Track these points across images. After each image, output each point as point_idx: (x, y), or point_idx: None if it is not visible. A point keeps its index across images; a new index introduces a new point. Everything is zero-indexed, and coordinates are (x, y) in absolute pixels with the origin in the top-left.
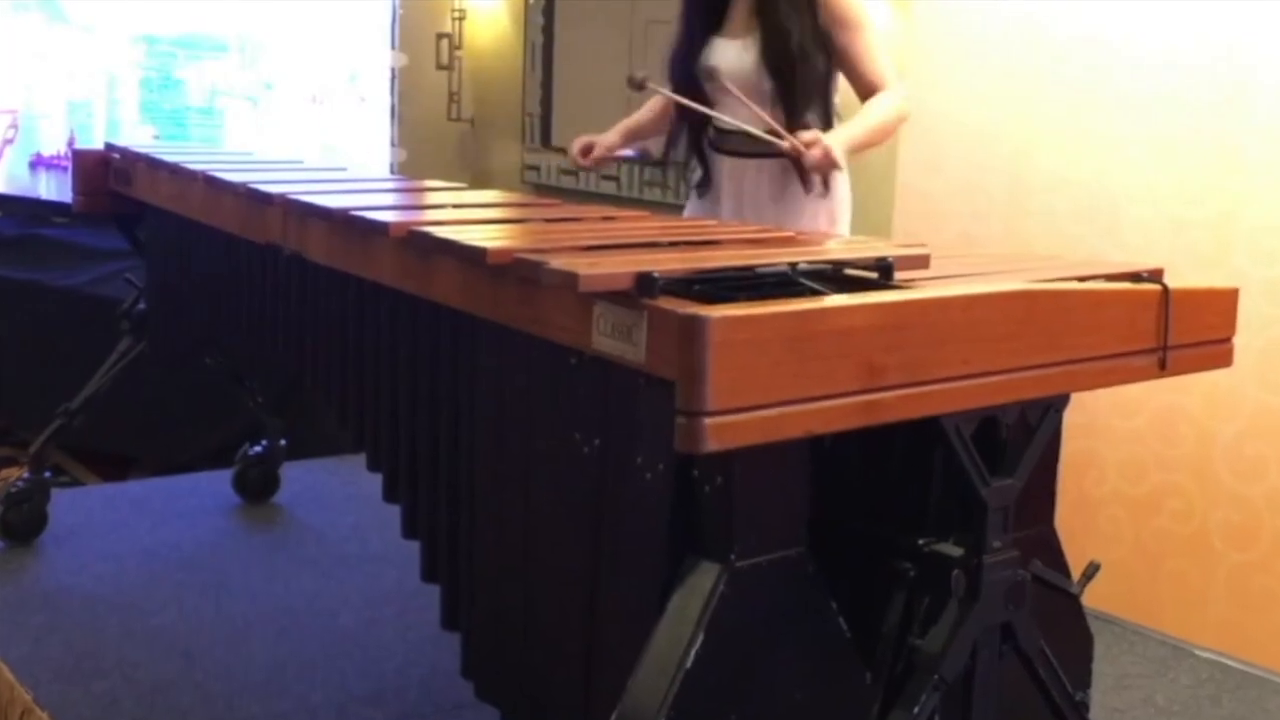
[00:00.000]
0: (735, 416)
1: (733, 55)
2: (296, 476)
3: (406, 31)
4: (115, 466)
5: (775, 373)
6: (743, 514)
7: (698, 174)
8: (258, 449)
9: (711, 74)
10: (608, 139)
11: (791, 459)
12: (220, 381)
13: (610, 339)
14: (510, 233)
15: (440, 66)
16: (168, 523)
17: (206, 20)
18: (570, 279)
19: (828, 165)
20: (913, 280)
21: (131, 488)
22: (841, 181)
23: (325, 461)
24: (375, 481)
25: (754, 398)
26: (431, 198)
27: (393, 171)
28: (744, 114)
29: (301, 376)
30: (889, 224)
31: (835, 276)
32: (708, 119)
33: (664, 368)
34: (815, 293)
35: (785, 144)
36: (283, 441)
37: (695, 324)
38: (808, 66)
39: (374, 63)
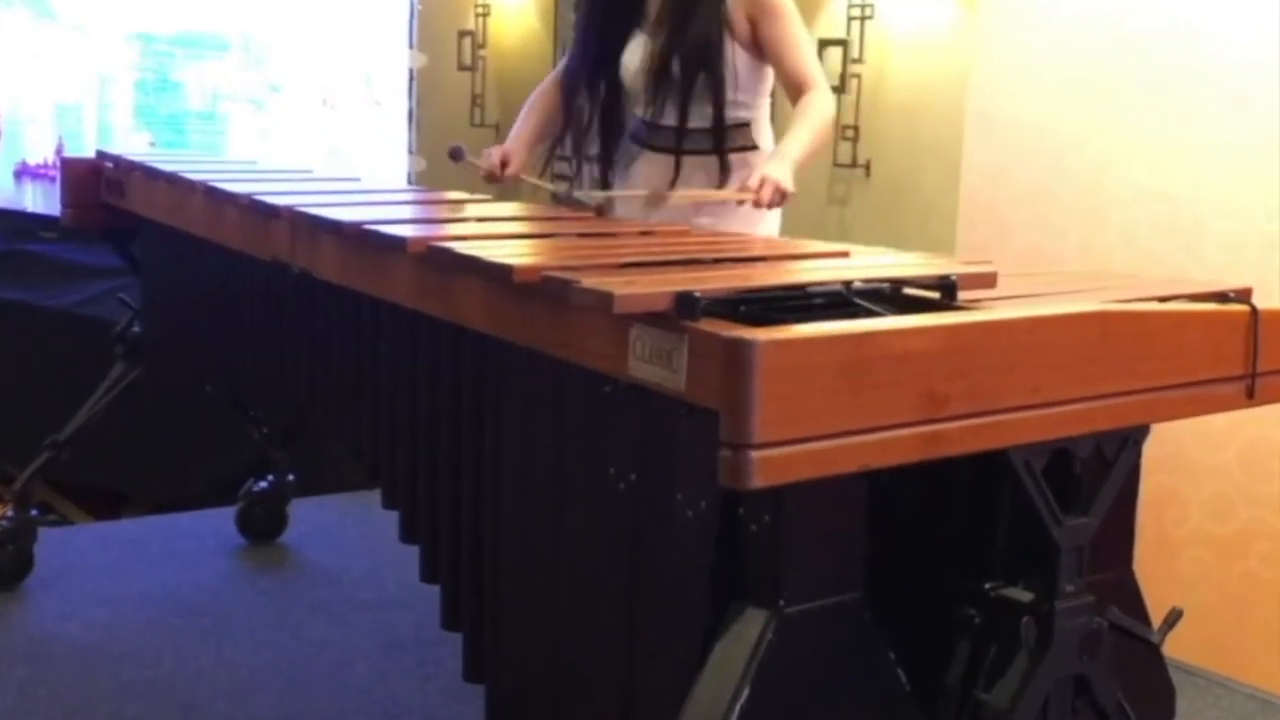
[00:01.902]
0: (784, 449)
1: (642, 52)
2: (305, 514)
3: (426, 29)
4: (107, 504)
5: (828, 401)
6: (792, 556)
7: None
8: (263, 485)
9: (655, 199)
10: (518, 157)
11: (846, 496)
12: (222, 411)
13: (648, 364)
14: (538, 249)
15: (462, 67)
16: (165, 565)
17: (207, 17)
18: (604, 299)
19: (781, 201)
20: (978, 300)
21: (125, 527)
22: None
23: (337, 498)
24: (391, 520)
25: (805, 429)
26: (452, 211)
27: (410, 182)
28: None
29: (311, 405)
30: (952, 239)
31: (893, 296)
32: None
33: (707, 396)
34: (872, 314)
35: (736, 198)
36: (290, 476)
37: (741, 348)
38: (716, 57)
39: (390, 63)
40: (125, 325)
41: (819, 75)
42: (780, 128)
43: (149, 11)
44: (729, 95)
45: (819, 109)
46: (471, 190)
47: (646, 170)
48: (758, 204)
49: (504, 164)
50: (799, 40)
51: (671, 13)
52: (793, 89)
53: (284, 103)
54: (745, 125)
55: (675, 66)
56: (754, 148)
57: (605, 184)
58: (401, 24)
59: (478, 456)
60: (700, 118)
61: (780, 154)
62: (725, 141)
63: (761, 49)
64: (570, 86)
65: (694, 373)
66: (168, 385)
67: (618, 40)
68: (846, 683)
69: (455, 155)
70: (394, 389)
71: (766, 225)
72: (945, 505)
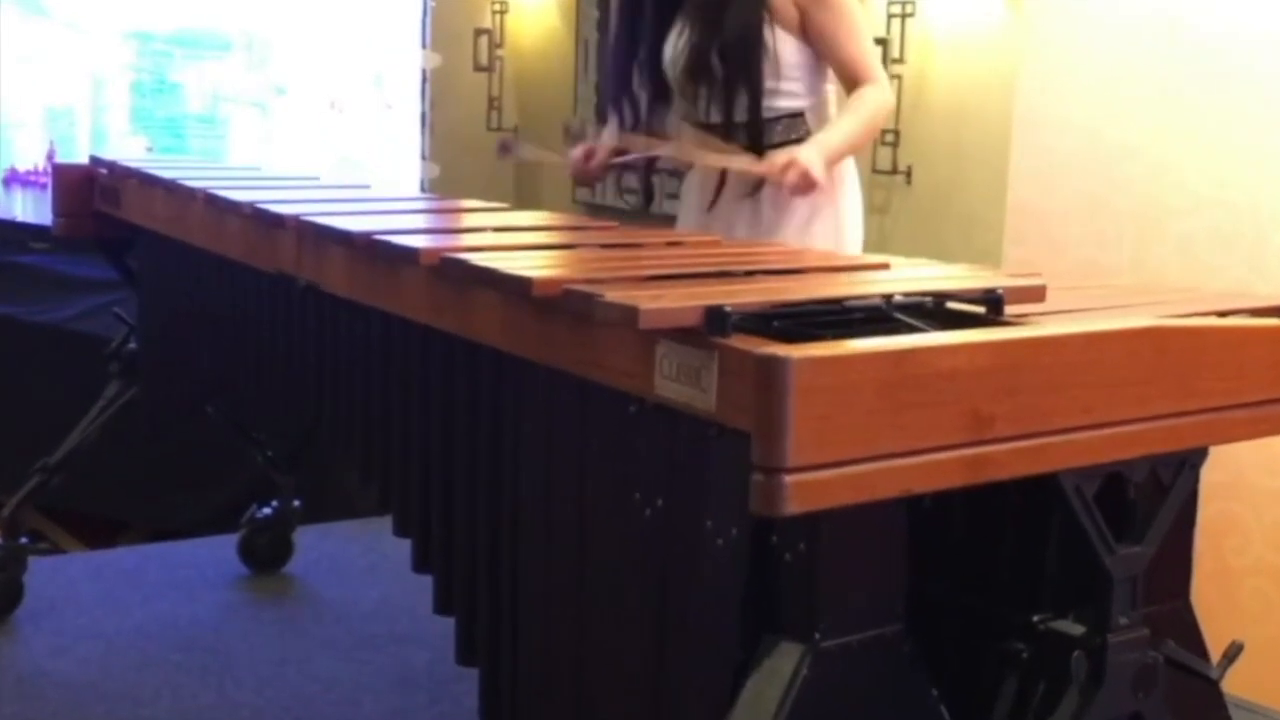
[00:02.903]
0: (821, 473)
1: (681, 44)
2: (312, 543)
3: (440, 27)
4: (102, 531)
5: (867, 423)
6: (829, 586)
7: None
8: (267, 511)
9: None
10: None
11: (886, 523)
12: (224, 433)
13: (675, 383)
14: (560, 260)
15: (479, 68)
16: (163, 596)
17: (207, 15)
18: (629, 314)
19: (806, 188)
20: (1026, 315)
21: (121, 556)
22: (847, 186)
23: (345, 525)
24: (403, 549)
25: (843, 452)
26: (468, 220)
27: (423, 189)
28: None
29: (318, 427)
30: (998, 250)
31: (936, 311)
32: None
33: (738, 417)
34: (913, 329)
35: (759, 170)
36: (296, 502)
37: (774, 366)
38: (754, 48)
39: (402, 63)
40: (121, 342)
41: (876, 68)
42: None
43: (146, 9)
44: (771, 84)
45: (870, 101)
46: (488, 197)
47: (693, 173)
48: (782, 187)
49: (588, 158)
50: (853, 30)
51: (707, 2)
52: (847, 83)
53: (289, 105)
54: (798, 115)
55: (714, 62)
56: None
57: (649, 192)
58: (414, 22)
59: (495, 481)
60: (744, 112)
61: (816, 140)
62: (764, 137)
63: (812, 39)
64: (615, 84)
65: (724, 392)
66: (166, 405)
67: (658, 31)
68: None
69: (505, 149)
70: (406, 409)
71: (849, 240)
72: (991, 533)
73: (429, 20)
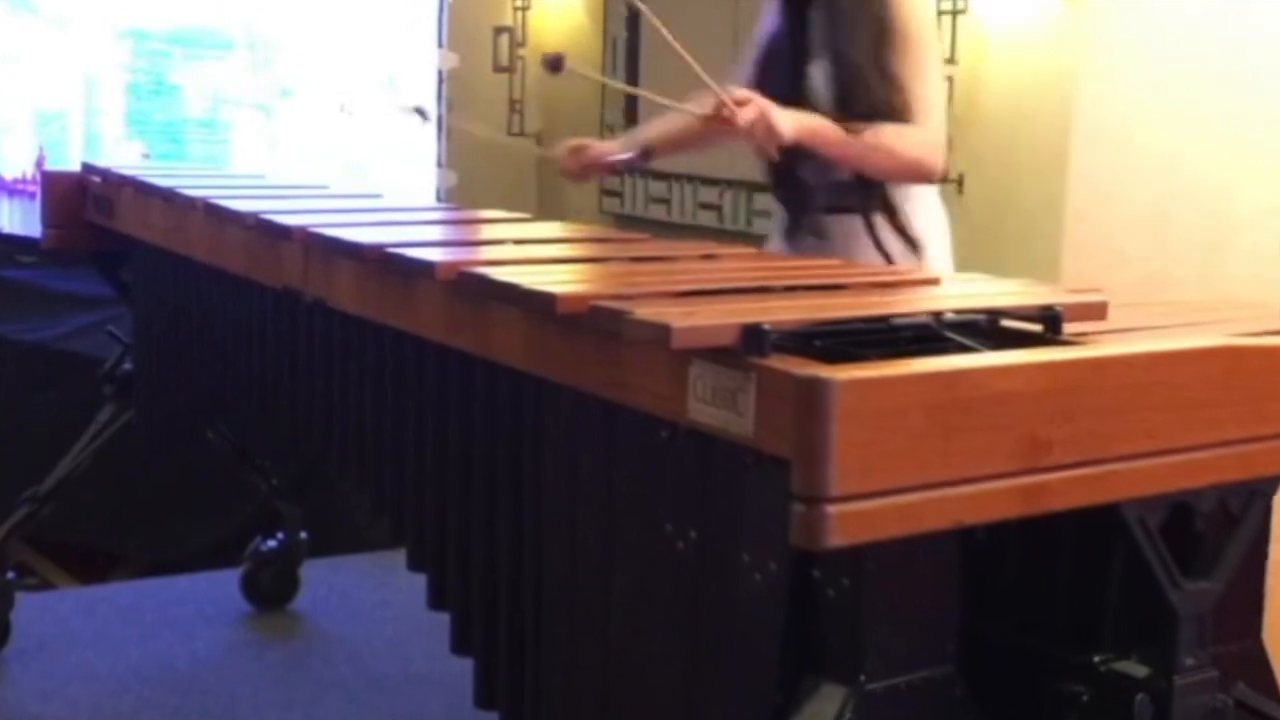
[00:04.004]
0: (866, 503)
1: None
2: (319, 578)
3: (457, 25)
4: (95, 565)
5: (916, 449)
6: (875, 625)
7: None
8: (271, 543)
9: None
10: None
11: (936, 556)
12: (225, 460)
13: (710, 407)
14: (586, 275)
15: (499, 68)
16: (160, 635)
17: (208, 11)
18: (660, 332)
19: (765, 132)
20: (1086, 334)
21: (115, 591)
22: (933, 220)
23: (355, 559)
24: (418, 584)
25: (889, 480)
26: (488, 232)
27: (440, 199)
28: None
29: (326, 453)
30: (1056, 264)
31: (990, 329)
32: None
33: (777, 443)
34: (965, 349)
35: (708, 102)
36: (302, 534)
37: (816, 388)
38: (872, 93)
39: (417, 64)
40: (115, 362)
41: (931, 118)
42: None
43: (142, 5)
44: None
45: (894, 132)
46: (510, 207)
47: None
48: (726, 118)
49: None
50: (927, 76)
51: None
52: (901, 120)
53: (296, 108)
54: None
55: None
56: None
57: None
58: (430, 19)
59: (516, 511)
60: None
61: (802, 113)
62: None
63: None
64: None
65: (762, 416)
66: (163, 430)
67: (797, 70)
68: None
69: (554, 65)
70: (421, 434)
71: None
72: (1048, 567)
73: (445, 17)
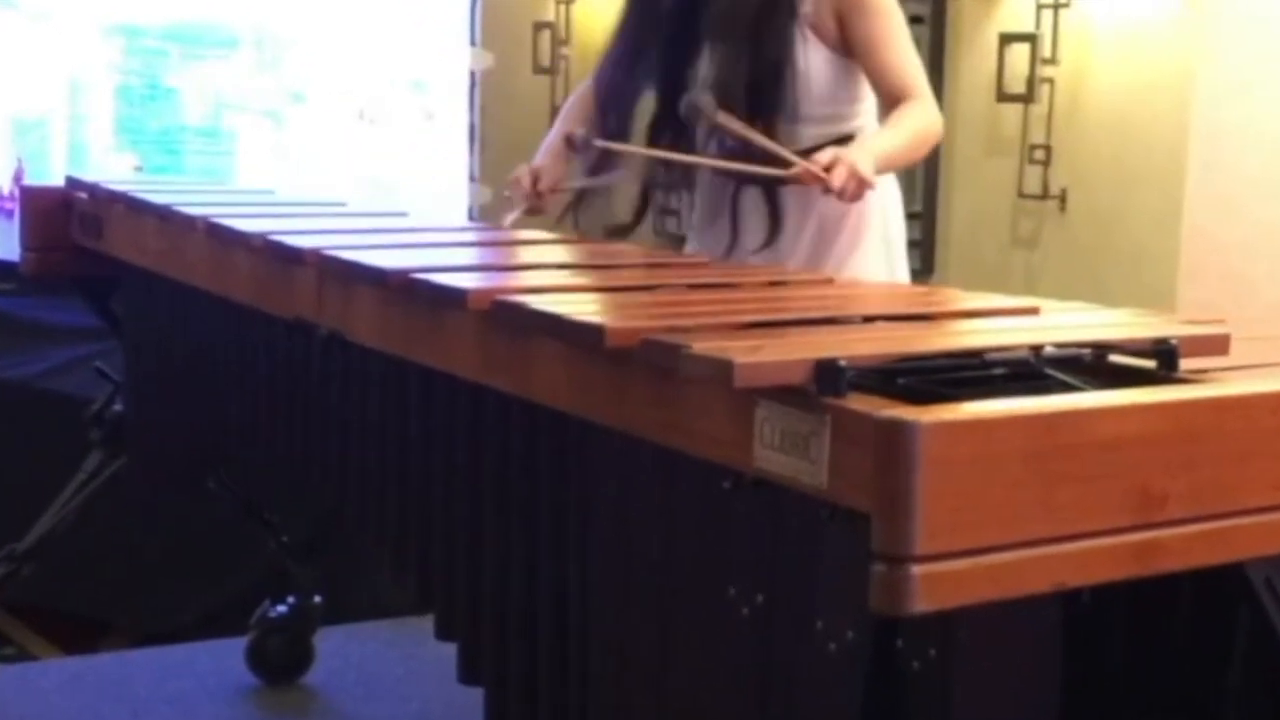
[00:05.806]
0: (956, 563)
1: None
2: (335, 648)
3: (492, 21)
4: (81, 633)
5: (1013, 501)
6: (966, 701)
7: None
8: (281, 609)
9: (696, 110)
10: (550, 172)
11: (1035, 623)
12: (229, 514)
13: (779, 454)
14: (637, 304)
15: (539, 69)
16: (154, 711)
17: (209, 5)
18: (722, 369)
19: (856, 188)
20: (1206, 371)
21: (104, 663)
22: (893, 212)
23: (376, 626)
24: (447, 655)
25: (983, 537)
26: (526, 255)
27: (472, 217)
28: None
29: (342, 506)
30: (1172, 290)
31: (1096, 366)
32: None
33: (855, 494)
34: (1068, 388)
35: (796, 170)
36: (316, 598)
37: (900, 432)
38: (785, 71)
39: (447, 65)
40: (104, 403)
41: (920, 83)
42: None
43: None
44: (808, 110)
45: (913, 117)
46: (551, 227)
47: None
48: (828, 190)
49: (536, 181)
50: (896, 41)
51: (734, 32)
52: (887, 97)
53: (309, 115)
54: (849, 138)
55: (743, 94)
56: None
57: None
58: (461, 15)
59: (559, 573)
60: (789, 139)
61: (867, 142)
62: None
63: (851, 49)
64: (613, 106)
65: (838, 464)
66: (158, 480)
67: (683, 57)
68: None
69: (577, 146)
70: (450, 485)
71: (900, 278)
72: (1163, 634)
73: (478, 13)
